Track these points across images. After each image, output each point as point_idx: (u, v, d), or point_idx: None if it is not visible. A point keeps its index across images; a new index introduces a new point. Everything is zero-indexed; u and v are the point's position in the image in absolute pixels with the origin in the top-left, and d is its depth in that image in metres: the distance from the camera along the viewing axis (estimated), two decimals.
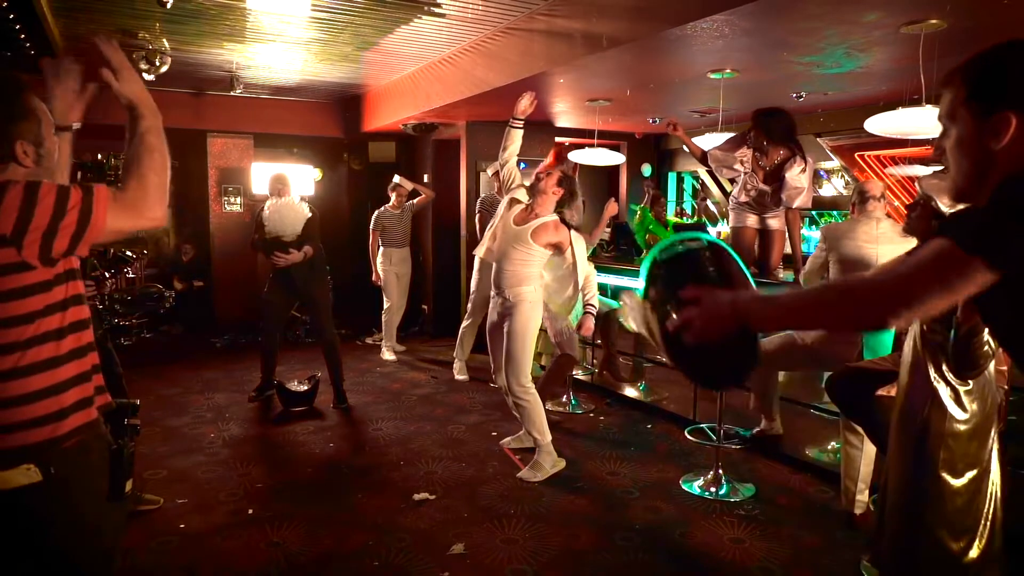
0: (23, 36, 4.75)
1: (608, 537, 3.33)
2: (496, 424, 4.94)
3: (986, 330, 2.33)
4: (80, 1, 4.53)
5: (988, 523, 2.37)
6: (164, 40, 5.08)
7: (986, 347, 2.35)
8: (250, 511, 3.57)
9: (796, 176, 4.51)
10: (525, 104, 4.10)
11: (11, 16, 4.33)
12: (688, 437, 4.42)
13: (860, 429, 3.21)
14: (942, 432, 2.34)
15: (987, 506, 2.37)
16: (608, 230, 6.05)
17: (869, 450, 3.29)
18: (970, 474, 2.35)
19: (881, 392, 2.99)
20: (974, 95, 1.17)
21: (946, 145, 1.23)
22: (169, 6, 4.11)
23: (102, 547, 1.66)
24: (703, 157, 4.87)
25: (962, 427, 2.35)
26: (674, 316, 1.37)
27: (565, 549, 3.21)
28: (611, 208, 5.14)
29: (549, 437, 4.07)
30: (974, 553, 2.33)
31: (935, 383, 2.39)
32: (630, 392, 5.50)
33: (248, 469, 4.14)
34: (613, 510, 3.64)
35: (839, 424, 3.49)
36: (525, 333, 3.96)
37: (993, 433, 2.42)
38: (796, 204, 4.59)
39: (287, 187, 5.34)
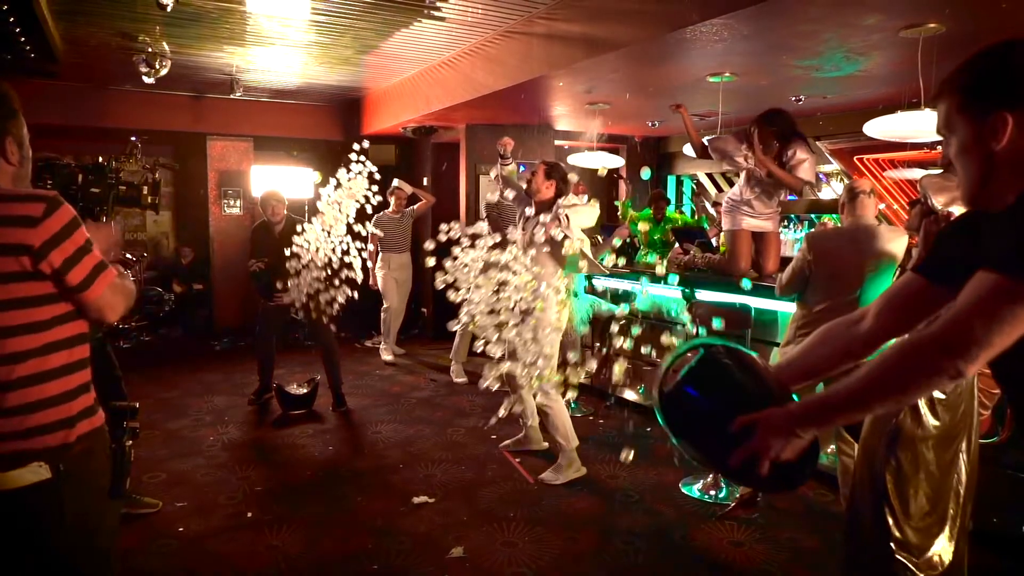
0: (23, 39, 4.76)
1: (608, 540, 3.33)
2: (496, 427, 4.93)
3: None
4: (80, 4, 4.53)
5: (954, 525, 2.41)
6: (164, 43, 5.10)
7: None
8: (249, 514, 3.57)
9: (800, 153, 4.48)
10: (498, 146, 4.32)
11: (11, 19, 4.34)
12: None
13: (849, 436, 3.22)
14: (912, 437, 2.42)
15: (952, 510, 2.42)
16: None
17: None
18: (935, 478, 2.42)
19: None
20: (967, 101, 1.20)
21: (951, 154, 1.25)
22: (169, 9, 4.12)
23: (101, 548, 1.68)
24: (702, 150, 4.81)
25: (932, 433, 2.42)
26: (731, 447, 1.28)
27: (565, 552, 3.20)
28: (623, 233, 5.25)
29: (575, 443, 4.03)
30: (940, 554, 2.37)
31: None
32: (629, 395, 5.49)
33: (247, 472, 4.14)
34: (613, 513, 3.64)
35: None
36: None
37: (963, 441, 2.47)
38: (811, 176, 4.54)
39: (283, 205, 5.13)
